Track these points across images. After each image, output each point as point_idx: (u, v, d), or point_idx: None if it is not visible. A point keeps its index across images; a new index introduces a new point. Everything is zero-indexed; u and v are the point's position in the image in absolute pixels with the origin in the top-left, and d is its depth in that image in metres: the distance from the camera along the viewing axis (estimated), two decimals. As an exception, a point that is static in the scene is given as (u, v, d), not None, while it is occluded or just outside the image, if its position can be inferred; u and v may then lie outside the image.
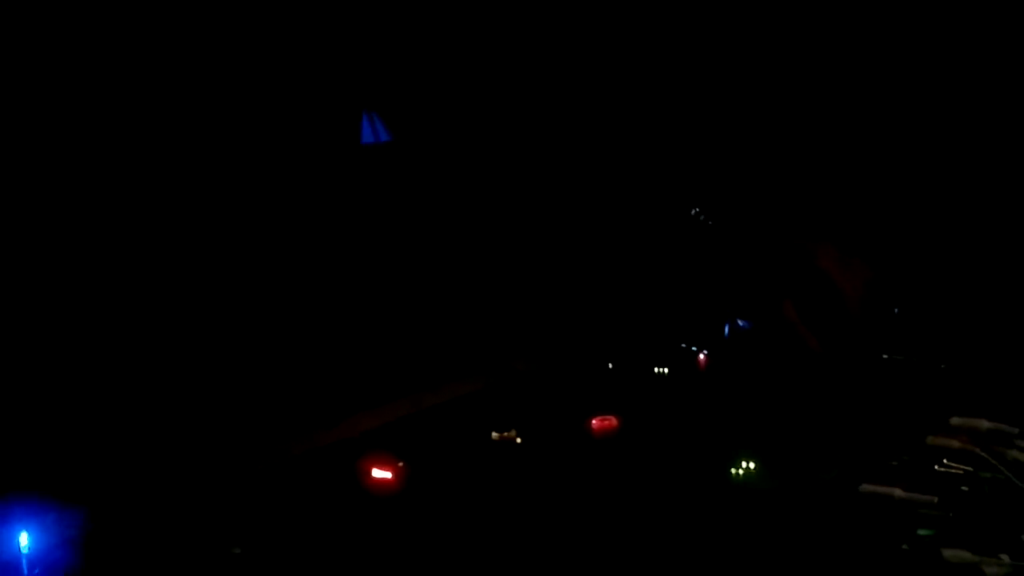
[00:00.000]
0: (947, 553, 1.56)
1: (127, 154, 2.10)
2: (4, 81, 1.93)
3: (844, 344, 2.12)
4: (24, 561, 1.70)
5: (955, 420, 1.79)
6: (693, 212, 2.21)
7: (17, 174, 1.96)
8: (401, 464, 1.90)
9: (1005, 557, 1.52)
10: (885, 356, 2.11)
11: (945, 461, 1.75)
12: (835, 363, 2.10)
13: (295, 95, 2.23)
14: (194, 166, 2.14)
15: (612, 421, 2.03)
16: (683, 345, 2.36)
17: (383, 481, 1.90)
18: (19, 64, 1.95)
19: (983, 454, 1.71)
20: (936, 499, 1.67)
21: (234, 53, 2.13)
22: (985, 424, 1.73)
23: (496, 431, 2.01)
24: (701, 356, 2.33)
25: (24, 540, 1.72)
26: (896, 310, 2.25)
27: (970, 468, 1.73)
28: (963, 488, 1.72)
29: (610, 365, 2.28)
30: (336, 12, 2.20)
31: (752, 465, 1.88)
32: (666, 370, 2.28)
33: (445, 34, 2.29)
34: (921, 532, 1.66)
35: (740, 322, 2.38)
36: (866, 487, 1.70)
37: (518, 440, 2.02)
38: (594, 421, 2.04)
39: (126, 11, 2.03)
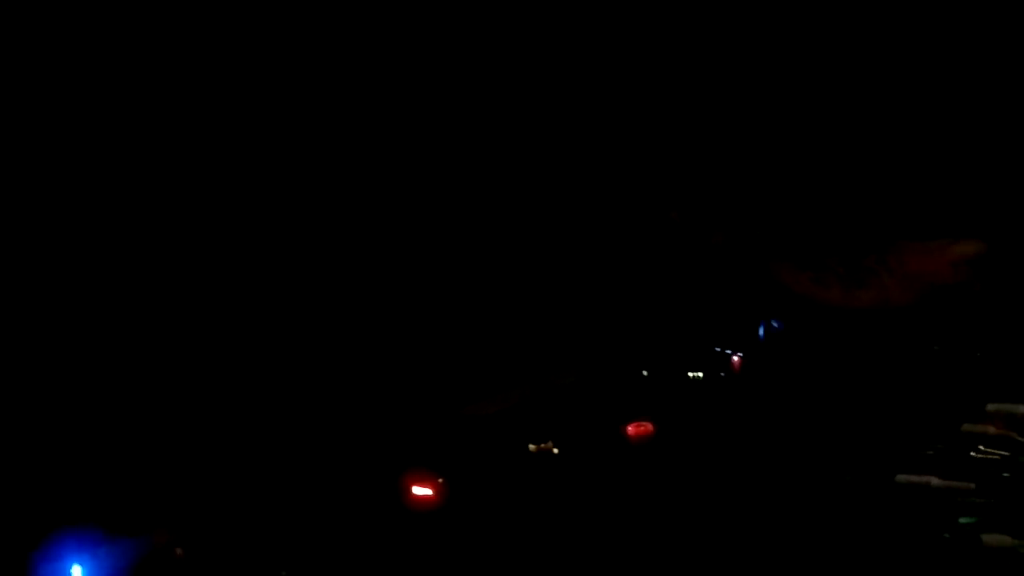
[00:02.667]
0: (987, 538, 1.56)
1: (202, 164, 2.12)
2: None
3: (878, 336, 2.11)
4: (78, 593, 1.73)
5: (991, 406, 1.79)
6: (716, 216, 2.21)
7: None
8: (441, 480, 1.92)
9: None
10: (918, 346, 2.10)
11: (981, 447, 1.74)
12: (868, 355, 2.09)
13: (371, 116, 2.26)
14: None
15: (648, 427, 2.04)
16: (717, 348, 2.36)
17: (424, 498, 1.93)
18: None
19: (1020, 439, 1.70)
20: (973, 486, 1.66)
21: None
22: (1021, 409, 1.72)
23: (533, 443, 2.03)
24: (735, 358, 2.33)
25: (77, 573, 1.75)
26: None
27: (1007, 453, 1.72)
28: (1002, 474, 1.71)
29: (644, 372, 2.29)
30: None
31: (787, 463, 1.89)
32: (700, 374, 2.29)
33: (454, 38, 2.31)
34: (962, 520, 1.65)
35: (774, 323, 2.38)
36: (902, 477, 1.69)
37: (555, 451, 2.03)
38: (630, 428, 2.05)
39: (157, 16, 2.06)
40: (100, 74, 2.09)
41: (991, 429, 1.75)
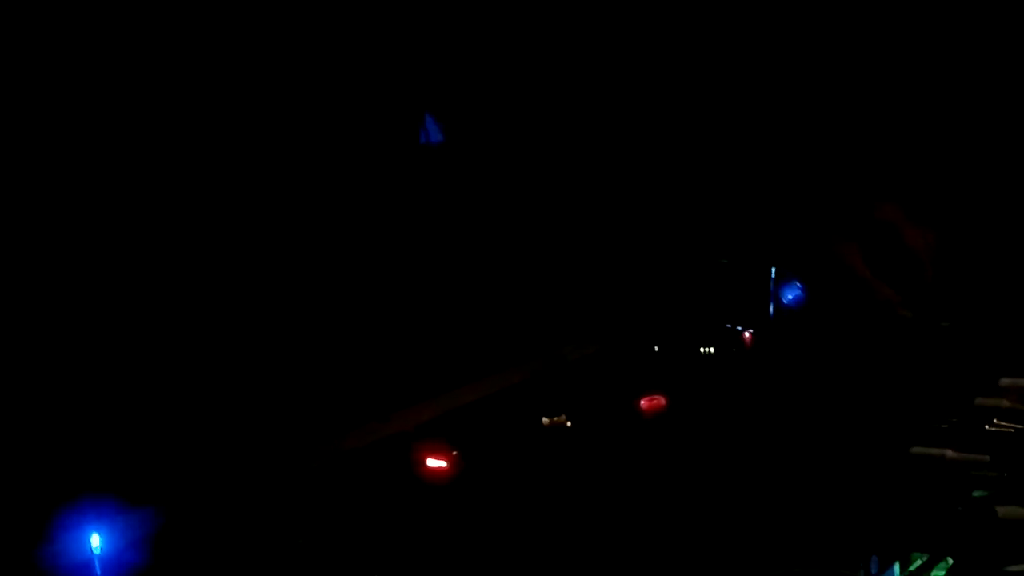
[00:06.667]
0: (1001, 510, 1.57)
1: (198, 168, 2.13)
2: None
3: (919, 302, 2.11)
4: (96, 562, 1.75)
5: (1004, 381, 1.79)
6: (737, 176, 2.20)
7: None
8: (455, 453, 1.93)
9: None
10: (933, 322, 2.11)
11: (995, 421, 1.75)
12: (885, 330, 2.10)
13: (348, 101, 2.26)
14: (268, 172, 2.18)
15: (660, 400, 2.06)
16: (728, 325, 2.37)
17: (438, 470, 1.94)
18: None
19: (1034, 412, 1.71)
20: (988, 458, 1.67)
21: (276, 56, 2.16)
22: (1034, 383, 1.73)
23: (547, 417, 2.04)
24: (746, 335, 2.34)
25: (96, 542, 1.76)
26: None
27: (1020, 426, 1.73)
28: (1015, 447, 1.72)
29: (656, 347, 2.30)
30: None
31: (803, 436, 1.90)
32: (712, 349, 2.30)
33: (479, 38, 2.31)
34: (976, 493, 1.66)
35: (789, 295, 2.38)
36: (917, 449, 1.70)
37: (568, 424, 2.04)
38: (643, 401, 2.07)
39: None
40: (100, 74, 2.09)
41: (1004, 403, 1.76)
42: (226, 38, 2.15)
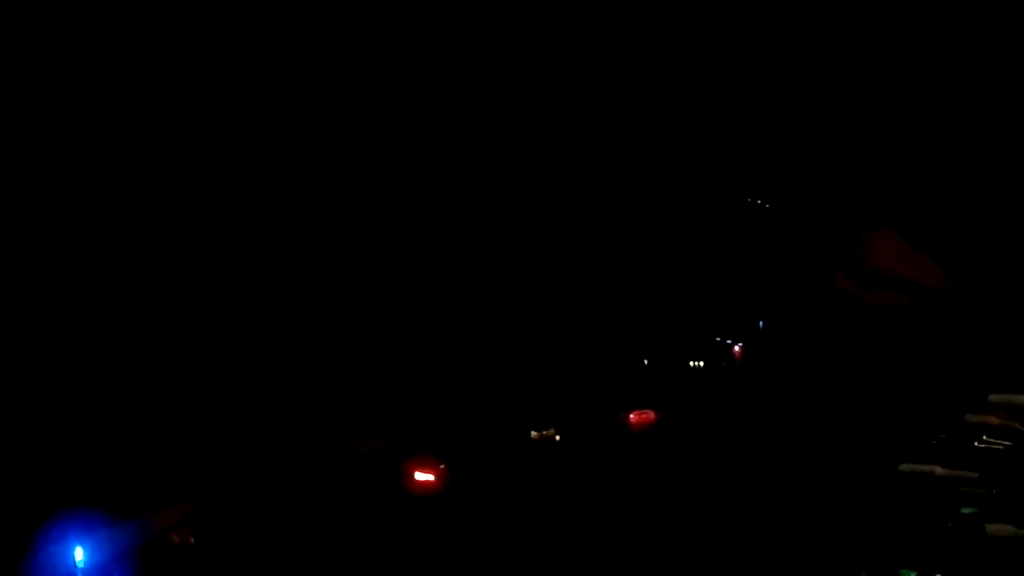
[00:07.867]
0: (991, 528, 1.57)
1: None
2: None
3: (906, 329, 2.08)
4: (80, 576, 1.73)
5: (993, 397, 1.79)
6: (740, 200, 2.19)
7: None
8: (443, 466, 1.93)
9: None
10: (920, 337, 2.11)
11: (985, 437, 1.75)
12: (871, 346, 2.10)
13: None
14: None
15: (650, 415, 2.05)
16: (718, 338, 2.37)
17: (426, 483, 1.93)
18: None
19: (1023, 429, 1.71)
20: (977, 475, 1.67)
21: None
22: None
23: (535, 430, 2.03)
24: (736, 348, 2.34)
25: (79, 555, 1.75)
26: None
27: (1010, 443, 1.73)
28: (1005, 464, 1.72)
29: (645, 361, 2.29)
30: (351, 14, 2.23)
31: (791, 451, 1.89)
32: (701, 363, 2.29)
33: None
34: (965, 510, 1.66)
35: (772, 315, 2.38)
36: (906, 466, 1.70)
37: (557, 438, 2.04)
38: (632, 416, 2.06)
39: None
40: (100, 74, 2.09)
41: (994, 419, 1.76)
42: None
